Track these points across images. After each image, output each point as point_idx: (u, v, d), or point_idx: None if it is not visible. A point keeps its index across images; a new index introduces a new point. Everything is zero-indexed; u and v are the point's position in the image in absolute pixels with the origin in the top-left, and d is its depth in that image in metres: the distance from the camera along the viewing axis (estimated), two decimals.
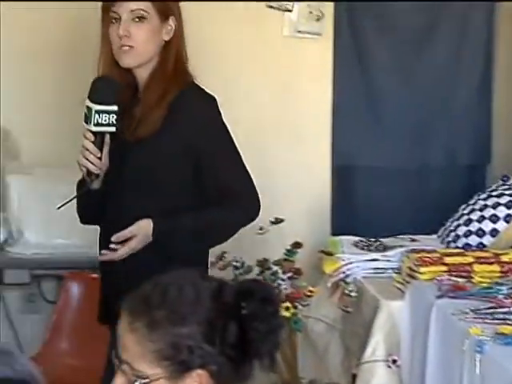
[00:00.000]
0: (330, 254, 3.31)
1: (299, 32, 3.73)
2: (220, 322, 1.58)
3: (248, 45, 3.77)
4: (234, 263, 3.29)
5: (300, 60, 3.79)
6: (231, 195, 2.47)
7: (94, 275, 3.24)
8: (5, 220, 3.57)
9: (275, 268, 3.27)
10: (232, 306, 1.60)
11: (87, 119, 2.39)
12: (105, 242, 2.46)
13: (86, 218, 2.61)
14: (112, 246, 2.42)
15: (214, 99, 2.47)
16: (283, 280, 3.23)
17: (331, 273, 3.22)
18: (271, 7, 3.72)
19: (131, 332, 1.57)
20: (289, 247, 3.33)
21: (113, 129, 2.40)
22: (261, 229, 3.29)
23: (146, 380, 1.54)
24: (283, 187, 3.81)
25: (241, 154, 2.50)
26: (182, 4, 2.65)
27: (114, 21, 2.43)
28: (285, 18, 3.73)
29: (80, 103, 2.48)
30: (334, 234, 3.69)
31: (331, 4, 3.77)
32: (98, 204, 2.51)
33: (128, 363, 1.55)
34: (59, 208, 2.52)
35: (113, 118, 2.39)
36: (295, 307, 3.15)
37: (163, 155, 2.46)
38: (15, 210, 3.59)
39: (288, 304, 3.10)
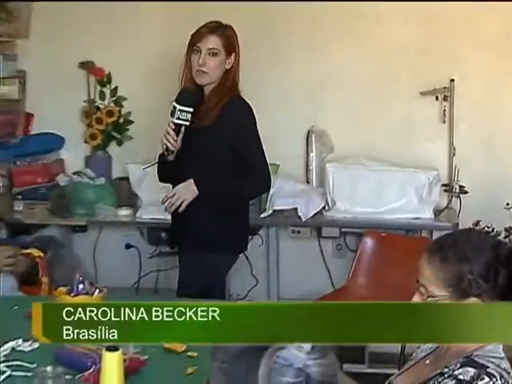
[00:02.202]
0: None
1: None
2: (494, 265, 1.74)
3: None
4: (486, 228, 3.62)
5: None
6: (251, 170, 3.11)
7: (383, 234, 3.95)
8: (323, 194, 4.09)
9: None
10: (505, 258, 1.75)
11: (172, 114, 3.09)
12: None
13: (162, 178, 3.30)
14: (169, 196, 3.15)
15: (250, 107, 3.17)
16: None
17: None
18: None
19: (428, 264, 1.77)
20: None
21: (187, 123, 3.08)
22: (507, 204, 3.78)
23: (435, 298, 1.74)
24: None
25: (262, 145, 3.15)
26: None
27: (195, 51, 3.15)
28: None
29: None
30: None
31: None
32: (171, 170, 3.19)
33: (424, 286, 1.77)
34: (144, 169, 3.45)
35: (188, 116, 3.07)
36: None
37: (217, 139, 3.12)
38: (331, 186, 4.07)
39: None
